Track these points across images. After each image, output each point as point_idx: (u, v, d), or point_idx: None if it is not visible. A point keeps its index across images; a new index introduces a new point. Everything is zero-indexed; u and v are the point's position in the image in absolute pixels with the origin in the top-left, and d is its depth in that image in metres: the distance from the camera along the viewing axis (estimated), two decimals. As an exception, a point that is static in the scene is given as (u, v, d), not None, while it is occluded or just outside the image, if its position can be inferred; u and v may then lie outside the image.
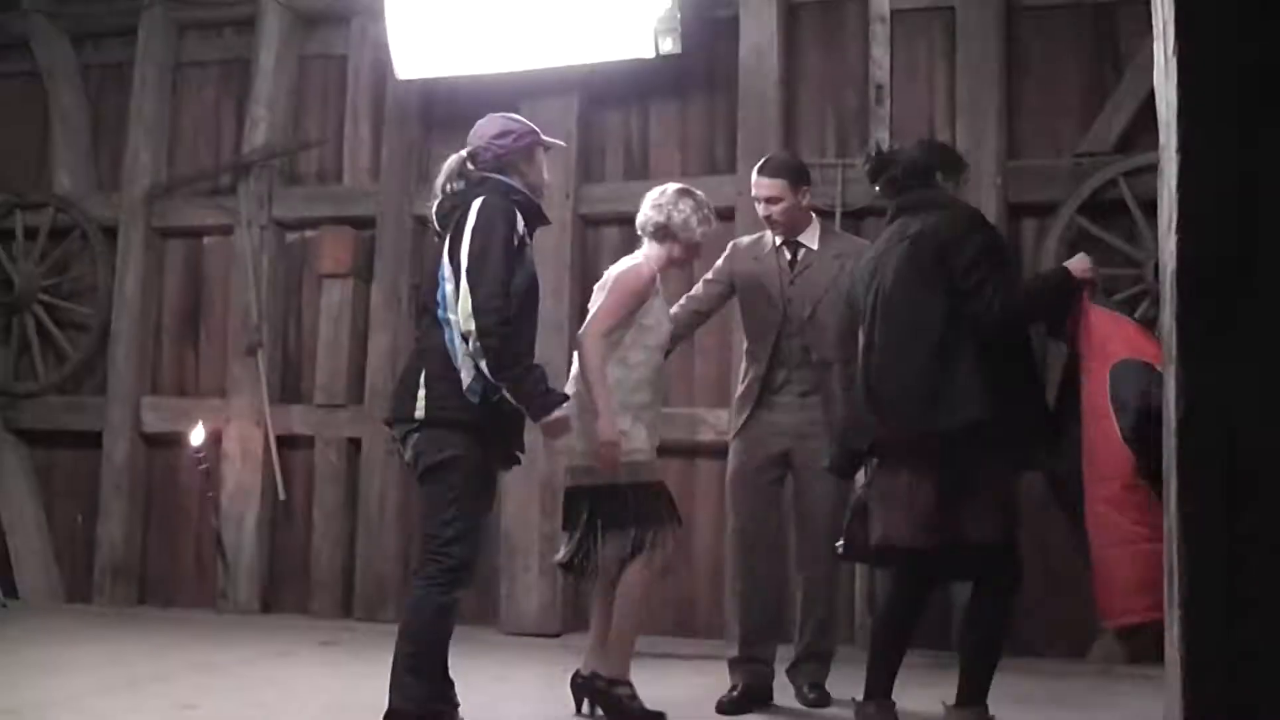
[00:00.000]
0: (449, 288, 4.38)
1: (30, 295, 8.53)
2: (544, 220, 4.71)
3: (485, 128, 4.67)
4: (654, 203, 5.20)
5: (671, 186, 5.30)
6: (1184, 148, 2.52)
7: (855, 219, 7.10)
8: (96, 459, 8.25)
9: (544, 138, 4.73)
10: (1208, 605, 2.39)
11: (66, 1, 8.95)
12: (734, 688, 5.32)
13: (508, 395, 4.32)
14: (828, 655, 5.48)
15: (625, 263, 5.24)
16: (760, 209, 5.46)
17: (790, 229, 5.43)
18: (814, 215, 5.59)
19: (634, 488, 4.96)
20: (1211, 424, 2.40)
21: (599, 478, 4.95)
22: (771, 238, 5.50)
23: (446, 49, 7.52)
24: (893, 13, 7.20)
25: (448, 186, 4.56)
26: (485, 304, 4.24)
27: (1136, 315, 6.48)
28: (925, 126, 7.15)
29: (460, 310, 4.29)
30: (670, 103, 7.59)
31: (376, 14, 7.68)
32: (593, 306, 5.17)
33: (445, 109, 7.85)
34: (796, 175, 5.44)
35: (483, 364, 4.25)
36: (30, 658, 6.24)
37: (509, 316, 4.29)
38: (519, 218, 4.43)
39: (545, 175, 4.75)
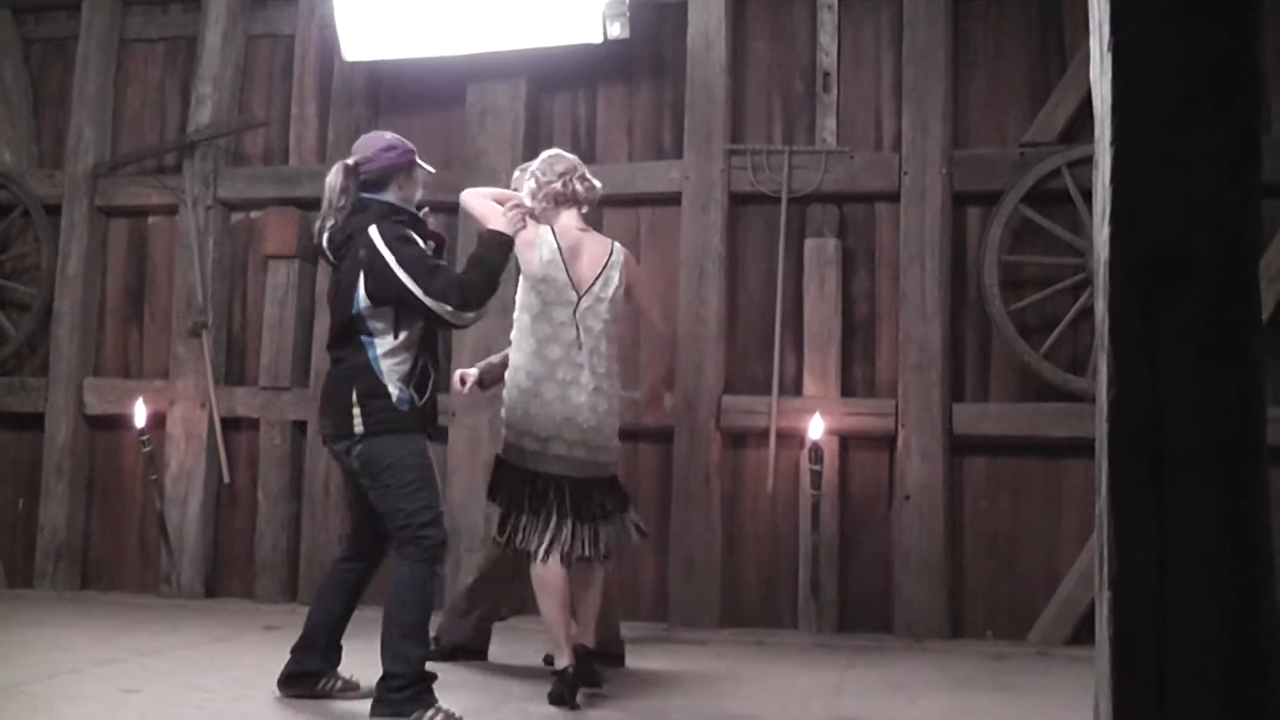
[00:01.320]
0: (370, 312, 4.74)
1: (-31, 274, 8.44)
2: (431, 235, 4.95)
3: (372, 141, 5.04)
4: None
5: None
6: (1117, 140, 2.56)
7: (801, 204, 7.15)
8: (38, 441, 8.17)
9: (418, 160, 5.05)
10: (1136, 585, 2.44)
11: (8, -27, 8.86)
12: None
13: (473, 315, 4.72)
14: None
15: (618, 247, 5.48)
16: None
17: None
18: None
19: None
20: (1140, 410, 2.45)
21: (602, 471, 5.27)
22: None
23: (394, 31, 7.49)
24: (840, 0, 7.25)
25: (340, 201, 4.84)
26: (453, 299, 4.63)
27: (1078, 304, 6.63)
28: (871, 114, 7.25)
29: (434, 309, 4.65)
30: (618, 87, 7.60)
31: (324, -6, 7.66)
32: (604, 284, 5.32)
33: (392, 91, 7.85)
34: None
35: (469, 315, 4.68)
36: (-29, 641, 6.19)
37: (462, 293, 4.64)
38: (410, 232, 4.78)
39: (419, 193, 5.06)
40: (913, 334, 6.91)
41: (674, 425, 6.99)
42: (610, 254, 5.35)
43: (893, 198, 7.05)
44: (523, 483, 5.17)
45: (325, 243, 4.90)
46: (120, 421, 7.96)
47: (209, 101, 8.11)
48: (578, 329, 5.17)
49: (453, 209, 7.57)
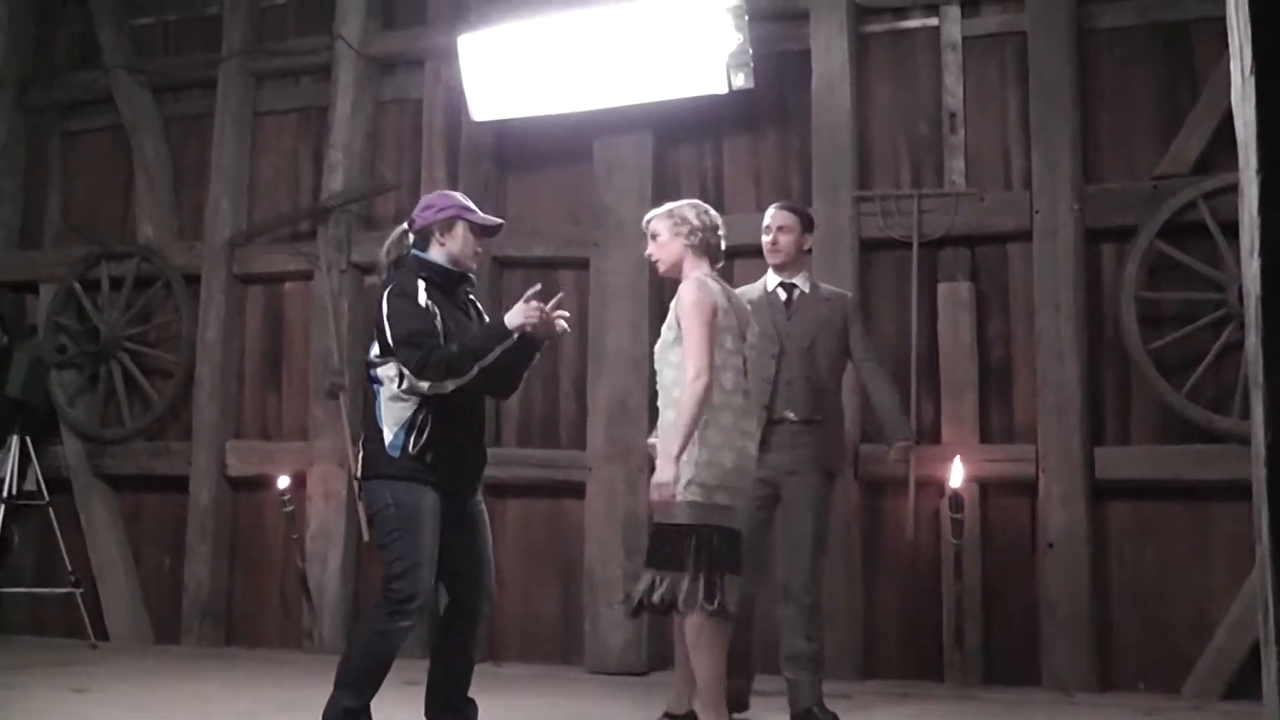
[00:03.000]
0: (377, 360, 4.81)
1: (116, 344, 8.69)
2: (464, 282, 4.93)
3: (422, 200, 5.09)
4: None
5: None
6: (1264, 168, 2.47)
7: (932, 248, 7.08)
8: (182, 503, 8.38)
9: (471, 215, 4.89)
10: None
11: (147, 56, 9.18)
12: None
13: (477, 379, 4.64)
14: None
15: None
16: (769, 237, 5.82)
17: (787, 265, 5.81)
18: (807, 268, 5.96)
19: None
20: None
21: (734, 520, 4.85)
22: (764, 282, 5.86)
23: (520, 89, 7.60)
24: (964, 39, 7.21)
25: (385, 259, 4.98)
26: (411, 362, 4.58)
27: (1220, 340, 6.46)
28: (999, 153, 7.16)
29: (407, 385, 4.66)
30: (743, 137, 7.61)
31: (450, 57, 7.78)
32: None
33: (519, 148, 7.94)
34: (809, 220, 6.02)
35: (423, 384, 4.59)
36: (121, 698, 6.29)
37: (424, 357, 4.56)
38: (420, 288, 4.70)
39: (474, 249, 4.90)
40: (1050, 376, 6.77)
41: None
42: (749, 301, 5.43)
43: (1024, 237, 6.93)
44: (718, 541, 4.76)
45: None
46: (261, 482, 8.13)
47: (340, 168, 8.28)
48: (748, 377, 4.99)
49: (583, 264, 7.70)
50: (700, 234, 5.02)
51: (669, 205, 5.19)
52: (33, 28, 9.61)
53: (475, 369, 4.59)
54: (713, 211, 5.15)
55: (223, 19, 8.84)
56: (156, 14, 9.29)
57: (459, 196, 5.01)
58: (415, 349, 4.56)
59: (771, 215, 5.88)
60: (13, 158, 9.43)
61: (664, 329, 4.97)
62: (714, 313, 4.80)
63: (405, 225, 4.94)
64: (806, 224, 5.92)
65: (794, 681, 5.51)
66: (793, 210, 5.96)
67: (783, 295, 5.79)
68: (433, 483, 4.69)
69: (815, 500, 5.58)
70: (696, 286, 4.85)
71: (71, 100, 9.41)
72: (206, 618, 8.20)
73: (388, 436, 4.68)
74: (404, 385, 4.64)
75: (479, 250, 4.95)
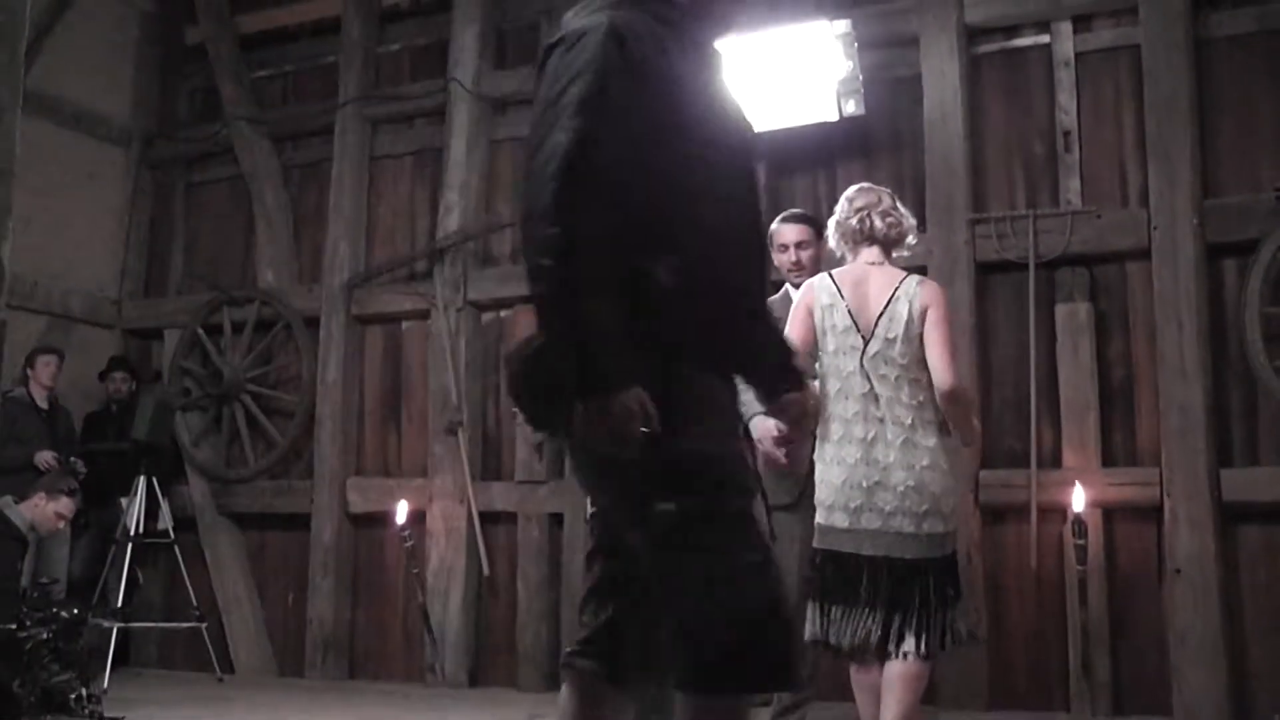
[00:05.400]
0: None
1: (239, 386, 8.88)
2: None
3: None
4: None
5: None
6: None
7: (1049, 269, 7.00)
8: (305, 539, 8.52)
9: None
10: None
11: (267, 107, 9.43)
12: None
13: None
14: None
15: (912, 278, 4.55)
16: (788, 256, 5.35)
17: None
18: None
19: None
20: None
21: (934, 548, 4.35)
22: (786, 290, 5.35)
23: (631, 122, 7.63)
24: (1077, 55, 7.14)
25: None
26: None
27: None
28: (1116, 171, 7.06)
29: None
30: (856, 164, 7.57)
31: (563, 94, 7.85)
32: (889, 321, 4.44)
33: (633, 181, 7.98)
34: (821, 227, 5.14)
35: None
36: (250, 728, 6.39)
37: None
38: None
39: None
40: (1173, 397, 6.62)
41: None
42: (897, 286, 4.45)
43: (1143, 255, 6.82)
44: (834, 568, 4.38)
45: None
46: (382, 519, 8.22)
47: (456, 208, 8.41)
48: (870, 379, 4.39)
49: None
50: (844, 225, 4.62)
51: None
52: (156, 85, 9.95)
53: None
54: (864, 193, 4.65)
55: (339, 67, 9.06)
56: (275, 66, 9.58)
57: None
58: None
59: (783, 230, 5.40)
60: (139, 210, 9.78)
61: None
62: (806, 315, 4.52)
63: None
64: (820, 233, 5.14)
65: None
66: (805, 221, 5.47)
67: None
68: None
69: None
70: (803, 289, 4.66)
71: (194, 153, 9.74)
72: (330, 651, 8.29)
73: None
74: None
75: None
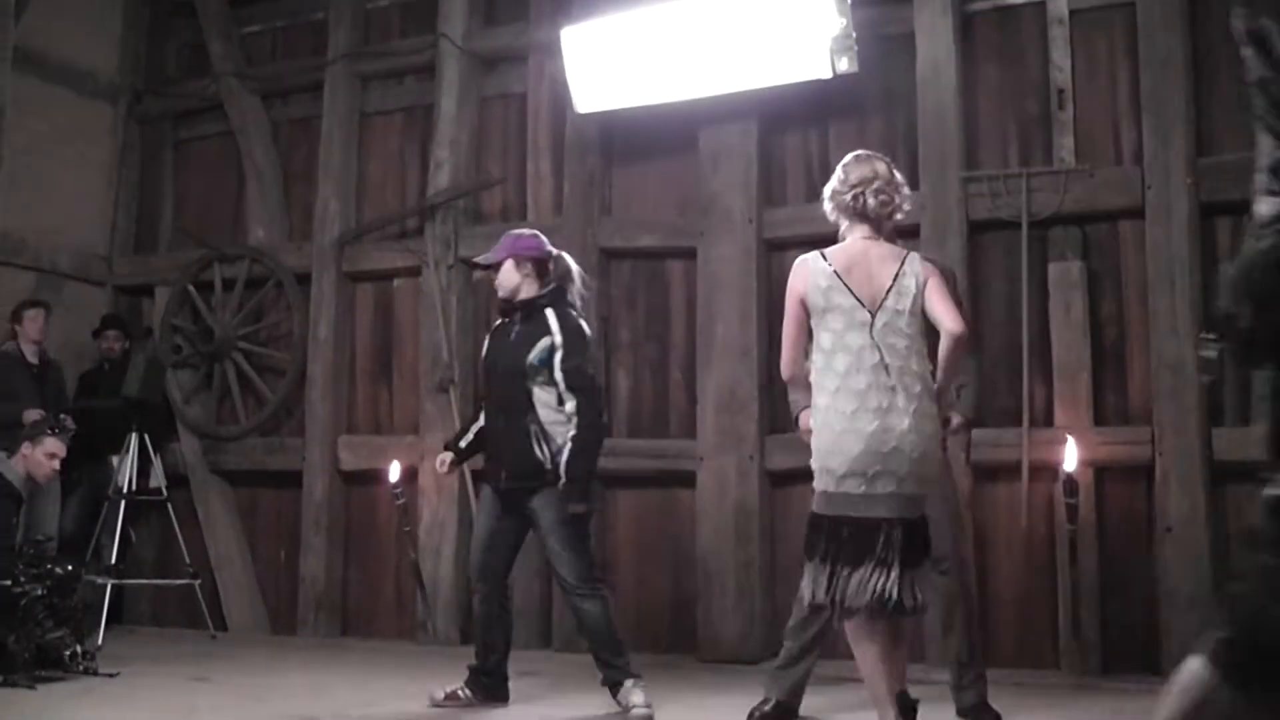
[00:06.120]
0: None
1: (229, 343, 8.87)
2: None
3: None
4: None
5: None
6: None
7: (1042, 228, 6.99)
8: (297, 497, 8.54)
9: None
10: None
11: (256, 63, 9.37)
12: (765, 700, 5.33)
13: None
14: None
15: (913, 255, 4.66)
16: None
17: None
18: None
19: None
20: None
21: (917, 509, 4.48)
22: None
23: (623, 80, 7.64)
24: (1071, 13, 7.10)
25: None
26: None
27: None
28: (1109, 129, 7.04)
29: None
30: (849, 122, 7.55)
31: (554, 51, 7.84)
32: (898, 295, 4.50)
33: (624, 139, 7.98)
34: None
35: None
36: (240, 687, 6.37)
37: None
38: None
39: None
40: (1165, 357, 6.63)
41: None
42: (902, 263, 4.56)
43: (1137, 214, 6.81)
44: (850, 532, 4.43)
45: None
46: (373, 476, 8.20)
47: (446, 165, 8.38)
48: (880, 350, 4.43)
49: (690, 254, 7.70)
50: (838, 199, 4.63)
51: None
52: (144, 40, 9.87)
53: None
54: (860, 165, 4.65)
55: (328, 23, 9.00)
56: (264, 22, 9.52)
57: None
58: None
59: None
60: (127, 166, 9.72)
61: None
62: (799, 304, 4.55)
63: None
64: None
65: (955, 681, 5.37)
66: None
67: None
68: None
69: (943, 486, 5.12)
70: (794, 267, 4.64)
71: (183, 109, 9.69)
72: (322, 609, 8.32)
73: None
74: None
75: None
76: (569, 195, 7.98)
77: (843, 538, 4.42)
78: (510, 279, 5.69)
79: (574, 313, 5.66)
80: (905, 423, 4.40)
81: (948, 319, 4.47)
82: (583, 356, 5.57)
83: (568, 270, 5.76)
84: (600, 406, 5.76)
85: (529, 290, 5.67)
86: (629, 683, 5.46)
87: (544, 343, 5.53)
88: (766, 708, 5.31)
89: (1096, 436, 6.73)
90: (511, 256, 5.69)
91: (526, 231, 5.97)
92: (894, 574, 4.36)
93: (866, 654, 4.52)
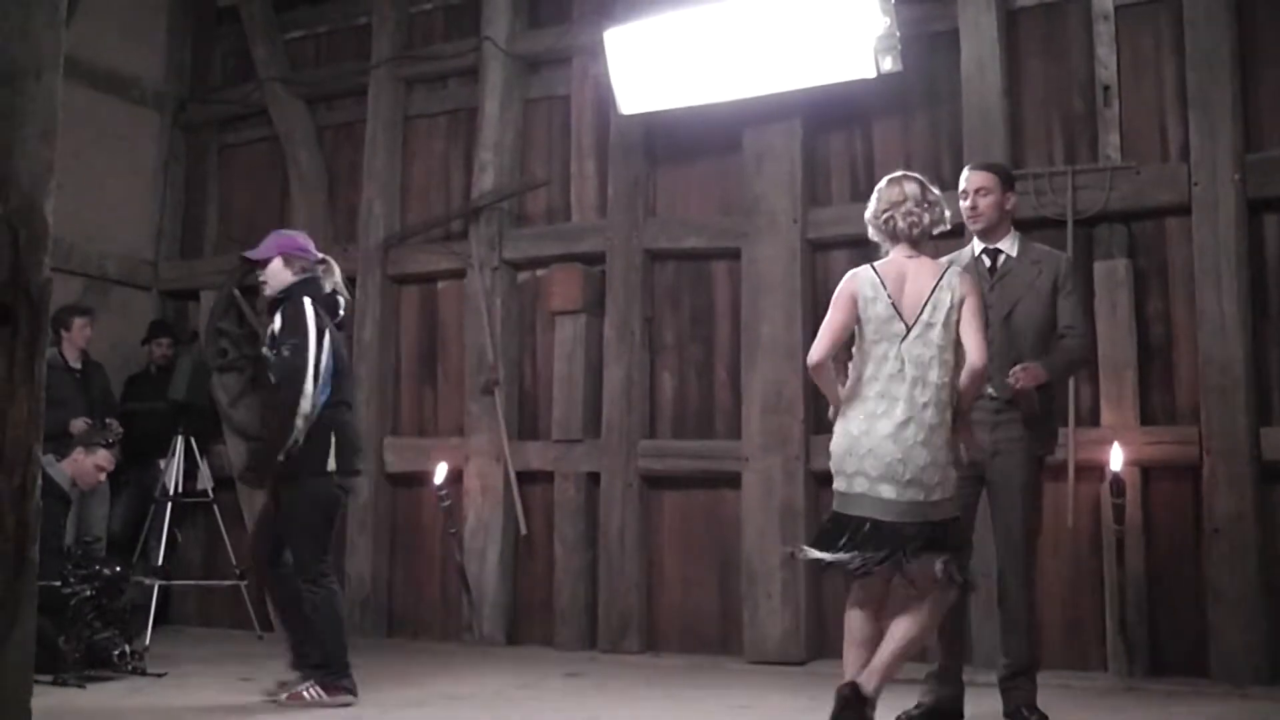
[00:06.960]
0: None
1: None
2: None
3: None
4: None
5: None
6: None
7: (1088, 226, 6.94)
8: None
9: None
10: None
11: (300, 68, 9.44)
12: (918, 704, 5.27)
13: None
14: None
15: (953, 270, 4.87)
16: (967, 203, 5.43)
17: (991, 230, 5.43)
18: (1013, 227, 5.53)
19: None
20: None
21: (937, 512, 4.66)
22: (971, 249, 5.50)
23: (668, 81, 7.64)
24: (1116, 9, 7.04)
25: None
26: None
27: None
28: (1155, 125, 6.96)
29: None
30: (893, 121, 7.54)
31: (597, 53, 7.87)
32: (933, 308, 4.72)
33: (668, 140, 7.98)
34: (1007, 176, 5.57)
35: None
36: (289, 686, 6.42)
37: None
38: None
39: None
40: (1213, 355, 6.56)
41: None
42: (940, 277, 4.75)
43: (1183, 211, 6.74)
44: (874, 530, 4.61)
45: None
46: (419, 478, 8.27)
47: (491, 167, 8.41)
48: (902, 360, 4.65)
49: (735, 255, 7.69)
50: (873, 223, 4.91)
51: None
52: (189, 48, 9.98)
53: None
54: (891, 190, 4.88)
55: (372, 28, 9.05)
56: (308, 27, 9.59)
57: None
58: None
59: (967, 177, 5.50)
60: (173, 172, 9.84)
61: None
62: (850, 303, 4.75)
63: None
64: (1007, 182, 5.51)
65: (1006, 682, 5.30)
66: (989, 169, 5.55)
67: (987, 262, 5.40)
68: None
69: (1023, 484, 5.21)
70: (846, 276, 4.87)
71: (227, 115, 9.79)
72: (368, 610, 8.35)
73: None
74: None
75: None
76: (613, 197, 8.00)
77: (864, 530, 4.62)
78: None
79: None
80: (938, 438, 4.64)
81: (973, 351, 4.68)
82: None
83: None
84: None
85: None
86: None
87: None
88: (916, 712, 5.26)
89: (1143, 436, 6.67)
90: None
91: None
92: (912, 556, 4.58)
93: (850, 625, 4.74)
